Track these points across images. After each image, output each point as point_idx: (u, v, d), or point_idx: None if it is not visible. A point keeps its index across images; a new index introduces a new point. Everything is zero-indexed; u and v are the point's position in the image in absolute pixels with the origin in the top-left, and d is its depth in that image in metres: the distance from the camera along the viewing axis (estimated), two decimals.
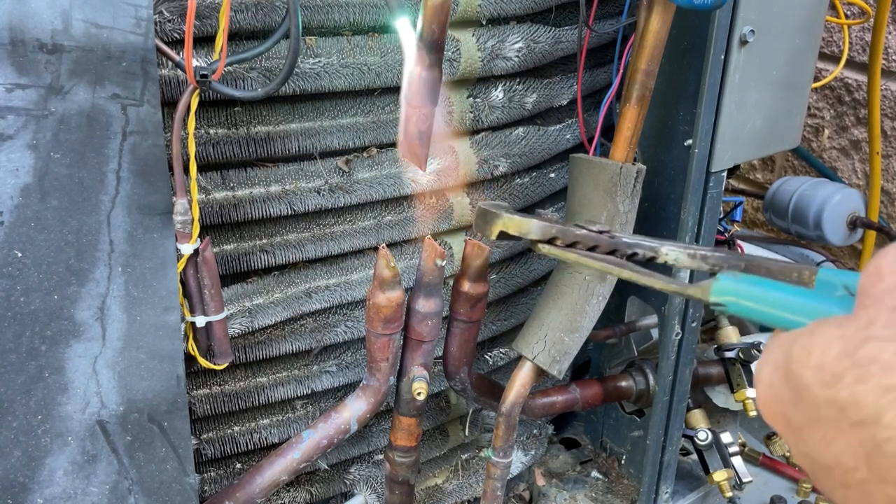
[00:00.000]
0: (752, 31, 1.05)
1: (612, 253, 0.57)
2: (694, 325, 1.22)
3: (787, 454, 1.61)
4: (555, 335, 1.04)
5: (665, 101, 1.11)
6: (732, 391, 1.36)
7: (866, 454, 0.30)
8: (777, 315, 0.40)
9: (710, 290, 0.43)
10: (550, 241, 0.60)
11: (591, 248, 0.58)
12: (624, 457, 1.42)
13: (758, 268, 0.49)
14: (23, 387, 0.71)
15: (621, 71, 1.10)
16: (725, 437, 1.37)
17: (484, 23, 1.01)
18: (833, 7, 1.61)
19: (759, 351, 1.31)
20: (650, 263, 0.56)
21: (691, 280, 1.09)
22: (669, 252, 0.53)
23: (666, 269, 0.57)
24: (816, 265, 0.44)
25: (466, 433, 1.29)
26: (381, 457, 1.19)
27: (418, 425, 1.03)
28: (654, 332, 1.35)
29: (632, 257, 0.56)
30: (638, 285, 0.53)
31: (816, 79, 1.61)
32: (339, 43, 0.91)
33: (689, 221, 1.14)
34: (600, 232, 0.58)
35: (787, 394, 0.34)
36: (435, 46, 0.75)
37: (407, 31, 0.78)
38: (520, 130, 1.11)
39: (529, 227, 0.62)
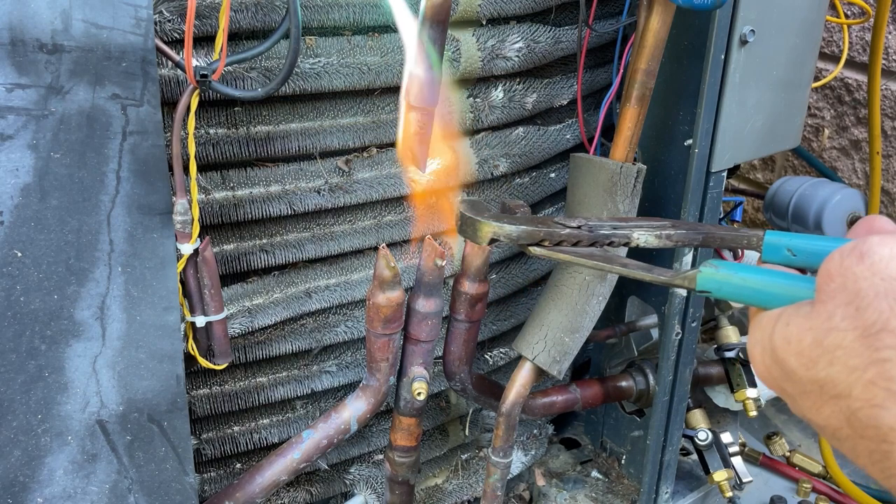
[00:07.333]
0: (752, 31, 1.05)
1: (593, 244, 0.61)
2: (694, 325, 1.22)
3: (787, 454, 1.61)
4: (555, 335, 1.04)
5: (665, 101, 1.11)
6: (732, 391, 1.36)
7: (846, 418, 0.40)
8: (753, 296, 0.49)
9: (696, 281, 0.52)
10: (539, 244, 0.62)
11: (576, 244, 0.61)
12: (624, 457, 1.42)
13: (713, 238, 0.60)
14: (23, 386, 0.71)
15: (621, 71, 1.10)
16: (725, 437, 1.37)
17: (484, 23, 1.01)
18: (833, 7, 1.61)
19: None
20: (628, 248, 0.63)
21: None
22: (640, 236, 0.60)
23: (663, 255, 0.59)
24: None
25: (466, 433, 1.29)
26: (381, 457, 1.19)
27: (418, 425, 1.03)
28: (654, 332, 1.35)
29: (610, 245, 0.61)
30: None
31: (816, 79, 1.61)
32: (339, 43, 0.91)
33: (690, 221, 1.14)
34: (578, 227, 0.61)
35: (778, 372, 0.44)
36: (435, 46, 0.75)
37: (408, 27, 0.78)
38: (520, 130, 1.11)
39: (518, 232, 0.62)
